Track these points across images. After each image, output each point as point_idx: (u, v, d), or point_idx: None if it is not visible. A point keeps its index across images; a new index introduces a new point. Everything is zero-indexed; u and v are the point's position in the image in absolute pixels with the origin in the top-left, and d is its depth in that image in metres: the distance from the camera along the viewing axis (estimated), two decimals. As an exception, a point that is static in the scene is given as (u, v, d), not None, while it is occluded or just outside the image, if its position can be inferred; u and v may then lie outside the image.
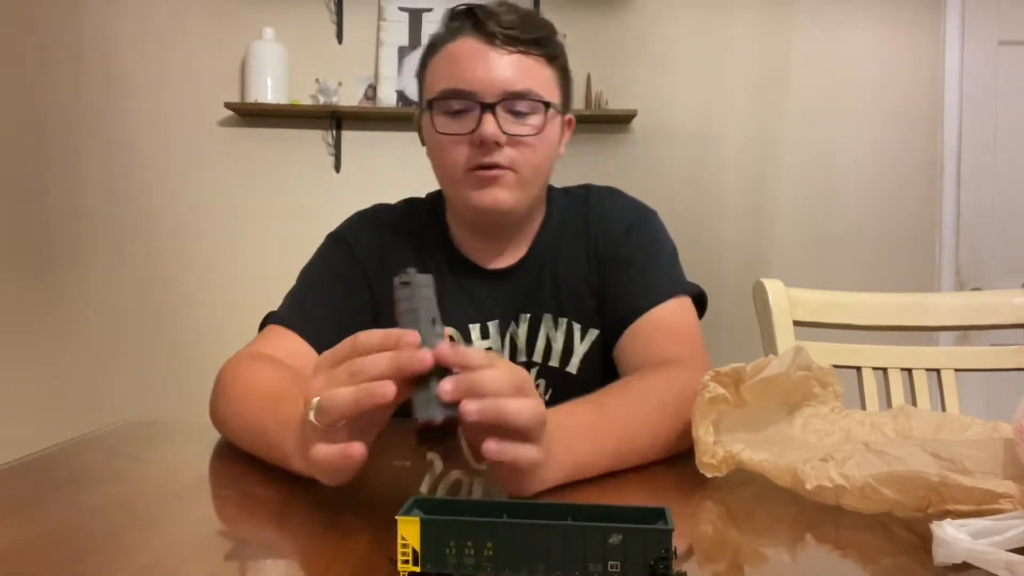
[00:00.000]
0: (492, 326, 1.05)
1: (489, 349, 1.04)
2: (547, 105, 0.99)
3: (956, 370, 1.18)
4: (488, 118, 0.96)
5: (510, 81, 0.97)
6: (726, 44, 2.82)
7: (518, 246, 1.07)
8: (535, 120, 0.98)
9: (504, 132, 0.96)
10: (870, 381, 1.17)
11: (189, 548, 0.57)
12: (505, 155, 0.97)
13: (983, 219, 2.86)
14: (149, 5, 2.75)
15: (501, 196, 0.98)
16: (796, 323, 1.18)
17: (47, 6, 2.73)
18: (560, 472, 0.68)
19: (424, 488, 0.71)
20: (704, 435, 0.70)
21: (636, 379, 0.87)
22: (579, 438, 0.71)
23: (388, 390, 0.54)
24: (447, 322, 1.03)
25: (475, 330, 1.05)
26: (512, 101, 0.97)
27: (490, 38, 0.97)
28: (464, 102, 0.97)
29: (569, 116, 1.08)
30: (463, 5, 1.02)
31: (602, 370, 1.04)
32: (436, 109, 0.99)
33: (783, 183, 2.83)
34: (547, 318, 1.05)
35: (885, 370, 1.17)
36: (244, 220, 2.75)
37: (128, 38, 2.74)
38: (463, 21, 1.00)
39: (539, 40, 1.00)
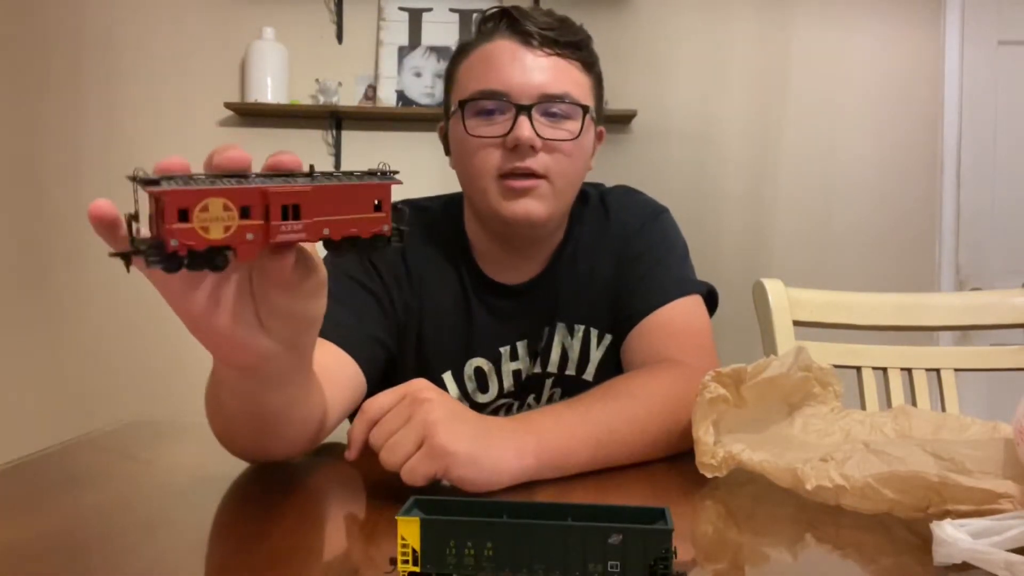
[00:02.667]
0: (520, 346, 1.02)
1: (517, 371, 1.02)
2: (585, 110, 0.94)
3: (956, 370, 1.18)
4: (523, 121, 0.90)
5: (547, 83, 0.92)
6: (726, 44, 2.82)
7: (540, 257, 1.03)
8: (571, 125, 0.93)
9: (540, 136, 0.91)
10: (870, 381, 1.17)
11: (189, 548, 0.57)
12: (540, 161, 0.92)
13: (983, 219, 2.86)
14: (149, 5, 2.75)
15: (534, 207, 0.93)
16: (796, 323, 1.18)
17: (47, 6, 2.73)
18: (527, 459, 0.68)
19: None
20: (704, 435, 0.70)
21: (625, 377, 0.86)
22: (549, 427, 0.71)
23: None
24: (478, 350, 1.01)
25: (506, 353, 1.01)
26: (549, 104, 0.92)
27: (526, 38, 0.93)
28: (498, 103, 0.92)
29: (600, 128, 1.03)
30: (496, 7, 0.98)
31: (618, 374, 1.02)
32: (468, 111, 0.93)
33: (783, 183, 2.83)
34: (561, 327, 1.02)
35: (885, 370, 1.17)
36: (244, 220, 2.75)
37: (128, 38, 2.74)
38: (497, 22, 0.96)
39: (576, 44, 0.96)
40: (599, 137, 1.03)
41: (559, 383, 1.03)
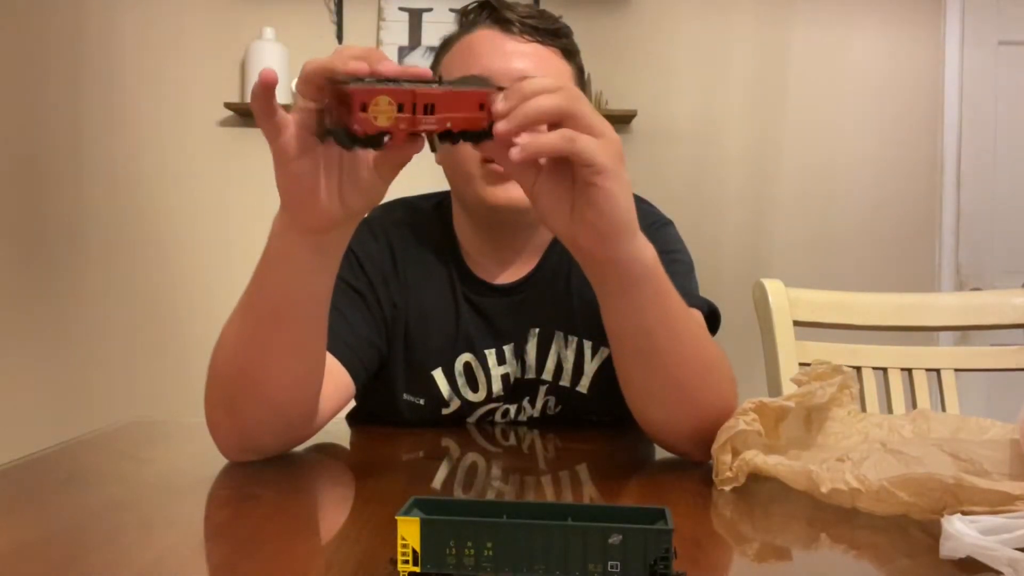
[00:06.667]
0: (508, 350, 1.00)
1: (506, 375, 1.00)
2: None
3: (956, 370, 1.18)
4: None
5: (529, 68, 0.92)
6: (726, 44, 2.82)
7: (529, 257, 1.02)
8: None
9: None
10: (870, 381, 1.17)
11: (189, 548, 0.57)
12: None
13: (983, 219, 2.86)
14: (149, 5, 2.74)
15: (516, 192, 0.89)
16: (796, 323, 1.18)
17: (47, 6, 2.73)
18: (649, 244, 0.73)
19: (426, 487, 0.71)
20: (723, 455, 0.70)
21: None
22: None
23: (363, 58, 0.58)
24: (466, 348, 1.00)
25: (491, 355, 1.00)
26: None
27: (507, 26, 0.94)
28: None
29: None
30: (476, 1, 0.99)
31: (614, 388, 1.00)
32: None
33: (783, 183, 2.82)
34: (559, 336, 1.00)
35: (885, 370, 1.17)
36: (244, 220, 2.74)
37: (128, 38, 2.74)
38: (478, 14, 0.97)
39: (556, 31, 0.97)
40: None
41: (552, 392, 1.01)
